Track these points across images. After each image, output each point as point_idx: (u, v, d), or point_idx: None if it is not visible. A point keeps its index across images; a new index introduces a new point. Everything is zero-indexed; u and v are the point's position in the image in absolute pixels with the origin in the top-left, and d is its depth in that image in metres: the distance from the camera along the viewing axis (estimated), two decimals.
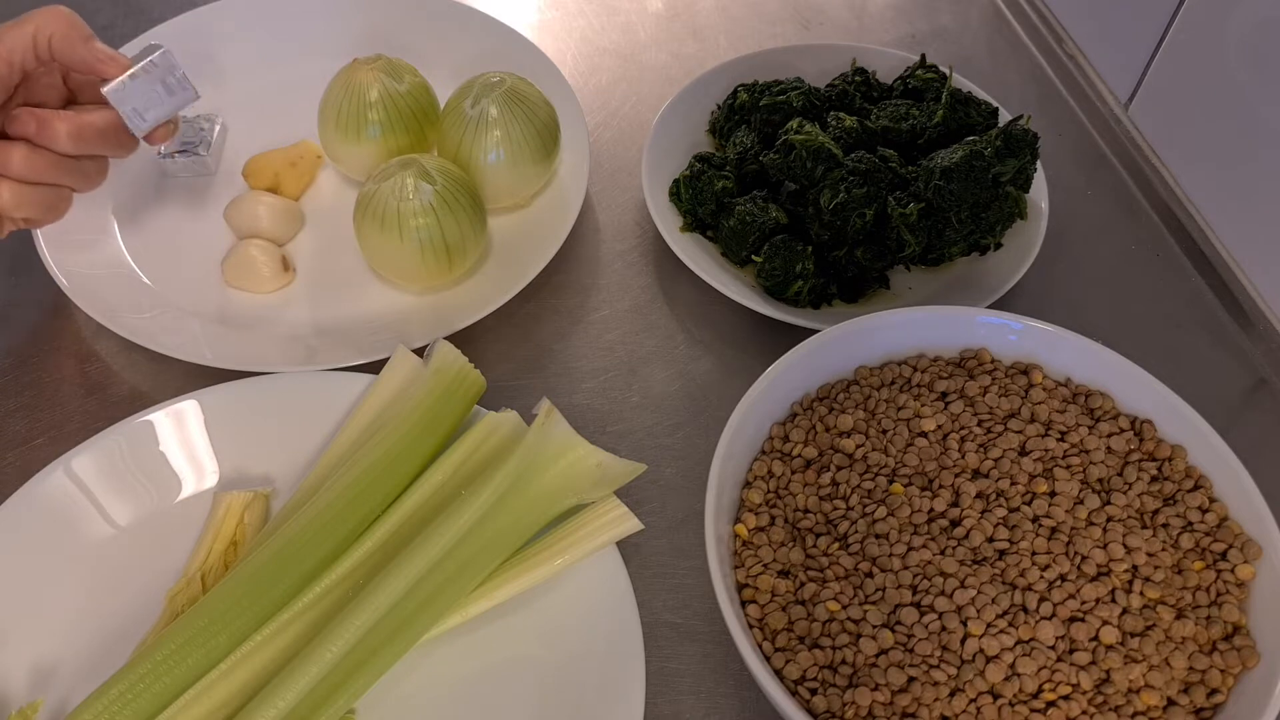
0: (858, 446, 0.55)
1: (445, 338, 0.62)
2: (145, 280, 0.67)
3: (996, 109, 0.71)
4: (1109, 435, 0.55)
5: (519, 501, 0.54)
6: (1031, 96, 0.81)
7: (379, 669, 0.50)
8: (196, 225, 0.70)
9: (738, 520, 0.54)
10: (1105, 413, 0.56)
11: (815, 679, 0.49)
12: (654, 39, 0.85)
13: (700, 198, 0.69)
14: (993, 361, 0.58)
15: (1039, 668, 0.47)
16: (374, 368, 0.61)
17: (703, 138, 0.75)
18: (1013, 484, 0.52)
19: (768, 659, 0.49)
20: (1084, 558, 0.50)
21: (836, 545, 0.52)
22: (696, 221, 0.69)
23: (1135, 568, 0.50)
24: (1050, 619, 0.49)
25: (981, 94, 0.73)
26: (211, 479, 0.59)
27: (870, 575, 0.51)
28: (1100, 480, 0.53)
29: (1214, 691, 0.48)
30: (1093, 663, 0.48)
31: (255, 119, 0.76)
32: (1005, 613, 0.49)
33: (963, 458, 0.54)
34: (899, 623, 0.49)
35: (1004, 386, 0.56)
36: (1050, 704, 0.47)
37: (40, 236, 0.66)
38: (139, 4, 0.84)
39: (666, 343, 0.67)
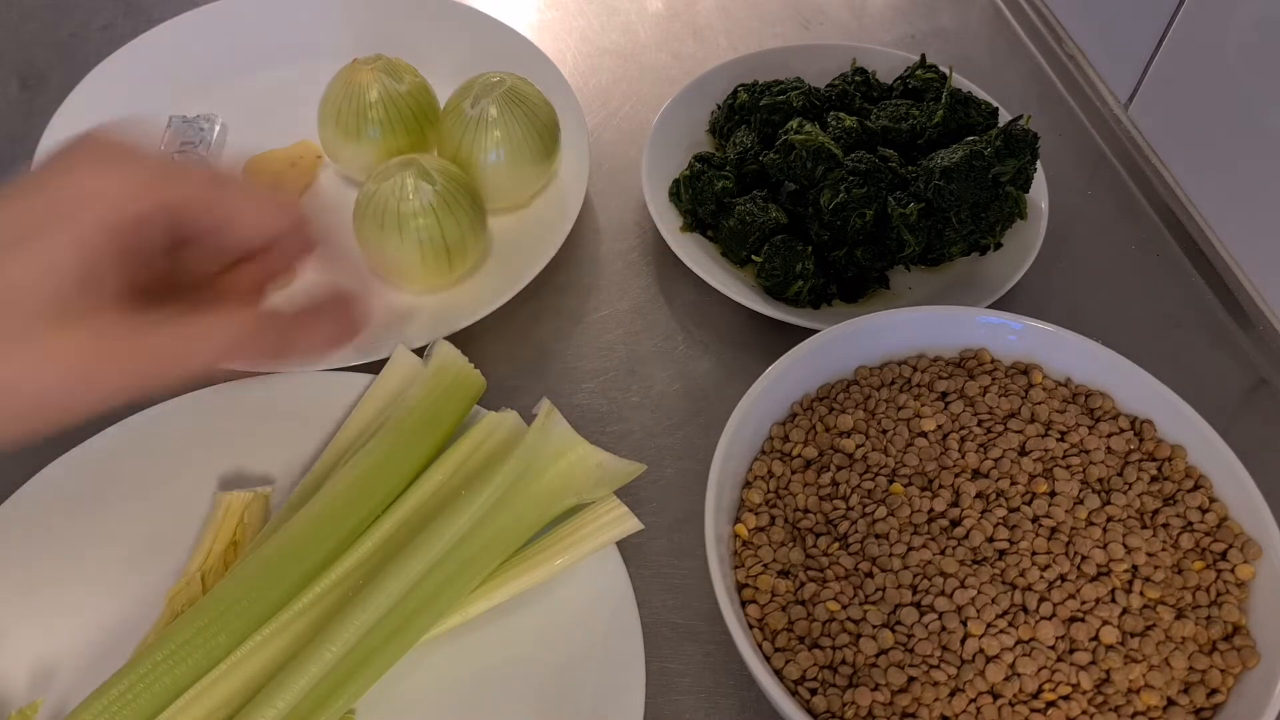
0: (858, 446, 0.55)
1: (445, 338, 0.62)
2: None
3: (996, 109, 0.71)
4: (1109, 435, 0.55)
5: (519, 501, 0.54)
6: (1031, 96, 0.81)
7: (379, 669, 0.50)
8: None
9: (738, 520, 0.54)
10: (1105, 413, 0.56)
11: (815, 679, 0.49)
12: (654, 39, 0.85)
13: (700, 198, 0.68)
14: (993, 361, 0.58)
15: (1039, 668, 0.47)
16: (374, 368, 0.61)
17: (703, 138, 0.75)
18: (1013, 484, 0.52)
19: (768, 659, 0.49)
20: (1084, 558, 0.50)
21: (836, 545, 0.52)
22: (696, 221, 0.69)
23: (1135, 568, 0.50)
24: (1050, 619, 0.49)
25: (981, 94, 0.73)
26: (211, 479, 0.59)
27: (870, 575, 0.51)
28: (1100, 480, 0.53)
29: (1214, 691, 0.48)
30: (1093, 663, 0.48)
31: (255, 119, 0.76)
32: (1005, 613, 0.49)
33: (963, 458, 0.54)
34: (899, 623, 0.49)
35: (1004, 386, 0.56)
36: (1050, 704, 0.47)
37: None
38: (139, 4, 0.84)
39: (666, 343, 0.67)
